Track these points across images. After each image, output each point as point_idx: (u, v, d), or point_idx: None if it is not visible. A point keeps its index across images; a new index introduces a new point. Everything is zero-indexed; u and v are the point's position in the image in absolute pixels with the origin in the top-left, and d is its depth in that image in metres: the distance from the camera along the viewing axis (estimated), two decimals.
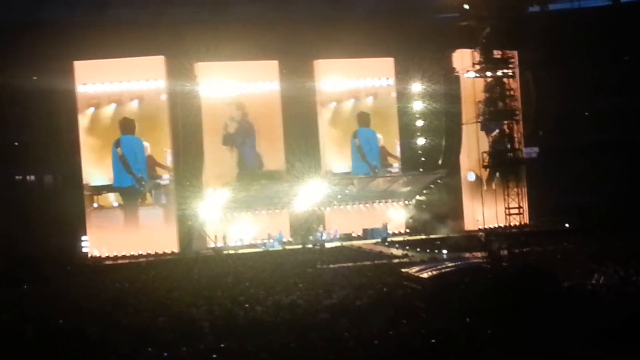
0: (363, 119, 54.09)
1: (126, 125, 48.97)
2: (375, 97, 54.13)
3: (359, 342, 22.89)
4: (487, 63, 42.15)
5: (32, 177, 55.49)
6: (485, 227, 47.65)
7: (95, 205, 48.23)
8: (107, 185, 48.50)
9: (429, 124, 54.05)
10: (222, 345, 23.23)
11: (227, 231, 49.20)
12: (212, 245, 48.37)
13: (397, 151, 54.33)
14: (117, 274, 39.77)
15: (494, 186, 51.06)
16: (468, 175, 53.13)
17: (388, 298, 29.77)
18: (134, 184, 48.82)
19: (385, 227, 51.97)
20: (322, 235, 50.23)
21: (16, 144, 55.92)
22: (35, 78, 51.45)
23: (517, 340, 22.11)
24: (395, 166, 54.20)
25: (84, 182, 48.27)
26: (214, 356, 22.33)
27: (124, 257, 46.59)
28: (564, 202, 53.45)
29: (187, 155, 48.98)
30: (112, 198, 48.69)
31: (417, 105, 54.25)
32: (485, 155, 45.89)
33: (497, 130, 43.62)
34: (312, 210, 51.32)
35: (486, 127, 51.90)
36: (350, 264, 39.91)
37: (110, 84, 48.59)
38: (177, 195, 48.66)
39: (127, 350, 23.41)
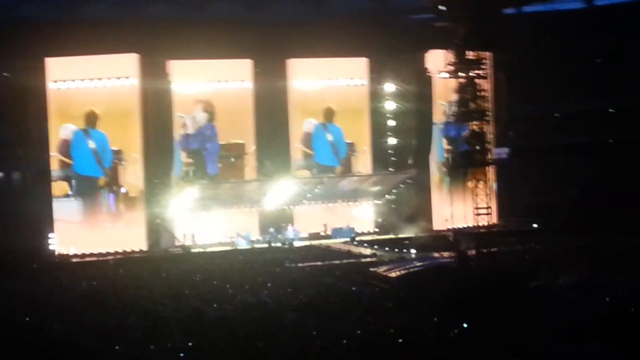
0: (330, 114, 54.00)
1: (92, 119, 48.49)
2: (348, 96, 54.06)
3: (327, 341, 22.91)
4: (461, 64, 42.42)
5: (0, 174, 55.01)
6: (454, 226, 47.88)
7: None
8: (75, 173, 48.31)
9: (401, 123, 54.10)
10: (190, 343, 23.18)
11: (196, 229, 48.98)
12: (180, 243, 48.18)
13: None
14: (85, 272, 39.56)
15: (462, 186, 51.31)
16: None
17: (356, 297, 29.83)
18: (101, 175, 48.55)
19: (353, 227, 51.93)
20: (274, 234, 49.98)
21: None
22: (6, 75, 51.03)
23: (484, 340, 22.19)
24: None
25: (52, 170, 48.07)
26: (182, 355, 22.30)
27: (91, 254, 46.29)
28: (532, 203, 53.75)
29: (157, 153, 48.77)
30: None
31: (390, 105, 54.30)
32: (453, 155, 46.35)
33: (461, 133, 43.92)
34: (281, 209, 51.24)
35: (448, 130, 52.51)
36: (319, 263, 39.98)
37: (82, 82, 48.21)
38: (146, 193, 48.45)
39: (94, 348, 23.32)
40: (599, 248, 38.35)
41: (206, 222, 49.22)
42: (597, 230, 44.14)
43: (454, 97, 45.38)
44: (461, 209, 47.77)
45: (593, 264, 33.78)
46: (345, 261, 40.89)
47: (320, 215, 52.39)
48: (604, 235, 42.44)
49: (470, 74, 42.74)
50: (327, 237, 51.00)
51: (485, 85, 43.95)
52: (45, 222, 47.04)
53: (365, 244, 47.47)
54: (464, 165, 45.76)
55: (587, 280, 30.33)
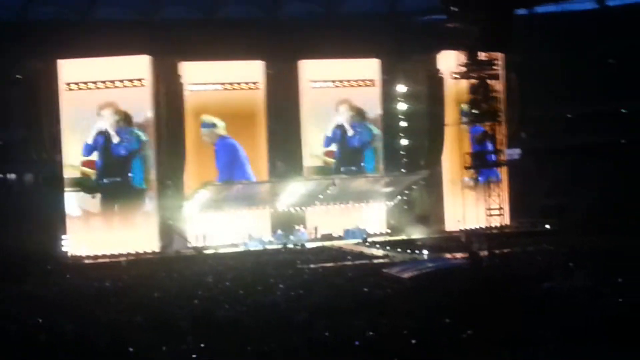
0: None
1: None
2: (360, 97, 53.97)
3: (339, 342, 22.96)
4: (472, 65, 42.40)
5: (13, 176, 55.15)
6: (466, 227, 47.86)
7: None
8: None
9: (413, 125, 53.95)
10: (202, 344, 23.26)
11: (208, 231, 48.99)
12: (192, 244, 48.21)
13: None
14: (98, 273, 39.60)
15: (475, 187, 51.23)
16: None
17: (368, 298, 29.85)
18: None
19: (365, 228, 51.87)
20: (280, 236, 49.91)
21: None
22: (19, 76, 51.20)
23: (496, 342, 22.21)
24: None
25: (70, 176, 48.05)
26: (194, 356, 22.40)
27: (104, 256, 46.34)
28: (544, 203, 53.66)
29: (169, 155, 48.82)
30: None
31: (401, 106, 54.16)
32: (467, 156, 46.29)
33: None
34: (292, 210, 51.22)
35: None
36: (331, 264, 39.96)
37: (94, 83, 48.24)
38: (158, 195, 48.50)
39: (107, 349, 23.43)
40: (611, 249, 38.24)
41: (218, 223, 49.19)
42: (610, 232, 44.03)
43: (466, 98, 45.36)
44: (473, 209, 47.82)
45: (606, 265, 33.72)
46: (357, 262, 40.84)
47: (332, 217, 52.24)
48: (616, 236, 42.31)
49: (482, 75, 42.74)
50: (340, 238, 50.91)
51: (497, 86, 43.92)
52: (58, 223, 47.15)
53: (377, 245, 47.38)
54: (476, 166, 45.81)
55: (599, 281, 30.28)
